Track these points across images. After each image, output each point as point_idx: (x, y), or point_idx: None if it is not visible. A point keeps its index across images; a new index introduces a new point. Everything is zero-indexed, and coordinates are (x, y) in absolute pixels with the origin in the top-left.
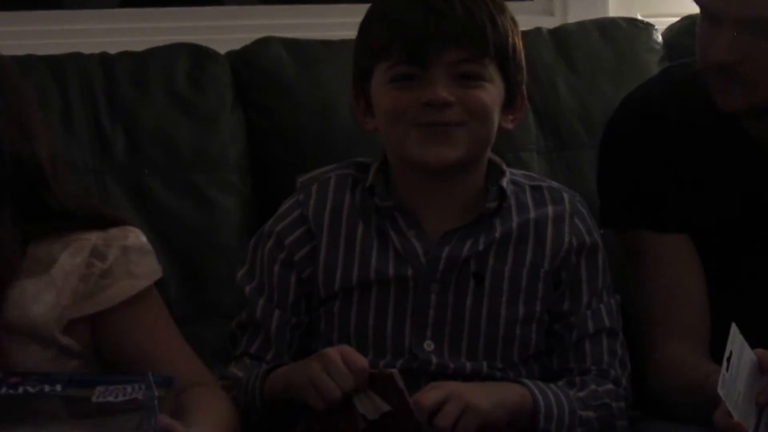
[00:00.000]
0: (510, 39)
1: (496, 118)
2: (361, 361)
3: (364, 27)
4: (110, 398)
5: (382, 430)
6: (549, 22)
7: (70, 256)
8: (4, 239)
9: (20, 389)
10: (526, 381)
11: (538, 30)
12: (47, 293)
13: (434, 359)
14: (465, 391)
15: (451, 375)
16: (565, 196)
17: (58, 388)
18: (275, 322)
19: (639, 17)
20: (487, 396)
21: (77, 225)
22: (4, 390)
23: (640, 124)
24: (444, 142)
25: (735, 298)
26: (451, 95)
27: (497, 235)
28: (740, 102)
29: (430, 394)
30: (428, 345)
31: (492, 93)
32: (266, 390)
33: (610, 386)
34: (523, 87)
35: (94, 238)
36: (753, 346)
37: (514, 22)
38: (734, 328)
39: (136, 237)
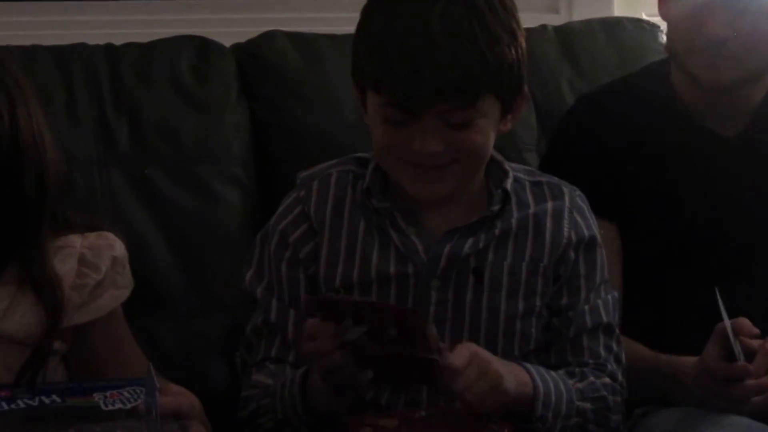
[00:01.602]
0: (507, 64)
1: (489, 144)
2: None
3: (357, 45)
4: (119, 405)
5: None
6: (554, 20)
7: (60, 264)
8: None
9: (20, 403)
10: (528, 365)
11: (543, 27)
12: (41, 307)
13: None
14: (490, 359)
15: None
16: (565, 190)
17: (56, 398)
18: (292, 323)
19: (644, 16)
20: (504, 370)
21: (59, 231)
22: (4, 405)
23: (587, 119)
24: (435, 181)
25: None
26: (441, 144)
27: (497, 231)
28: (728, 76)
29: (459, 354)
30: None
31: (485, 128)
32: (311, 392)
33: (607, 380)
34: (524, 88)
35: (78, 245)
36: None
37: (514, 35)
38: (717, 293)
39: (120, 246)
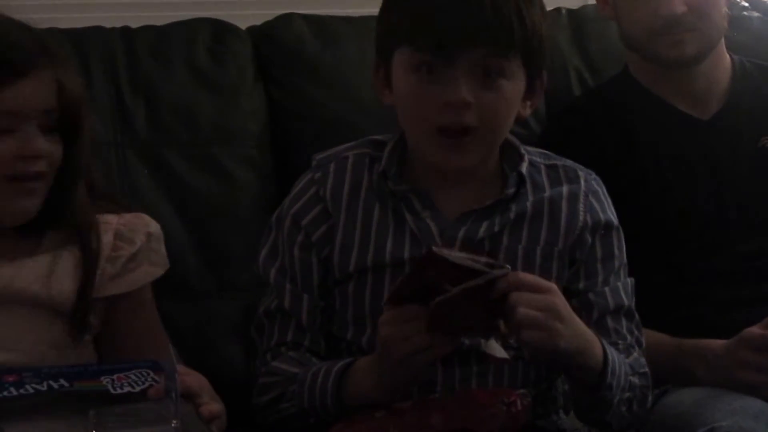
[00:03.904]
0: (536, 32)
1: (511, 118)
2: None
3: (387, 8)
4: (128, 388)
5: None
6: (569, 2)
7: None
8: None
9: (29, 389)
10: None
11: (558, 11)
12: (79, 270)
13: None
14: (563, 312)
15: (466, 351)
16: (581, 174)
17: (64, 383)
18: (305, 308)
19: None
20: (573, 339)
21: (100, 209)
22: (13, 390)
23: (570, 123)
24: (459, 151)
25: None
26: (471, 95)
27: (512, 215)
28: (691, 49)
29: (531, 276)
30: None
31: (509, 94)
32: (348, 389)
33: (642, 359)
34: (544, 73)
35: (114, 221)
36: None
37: (543, 10)
38: None
39: (156, 226)
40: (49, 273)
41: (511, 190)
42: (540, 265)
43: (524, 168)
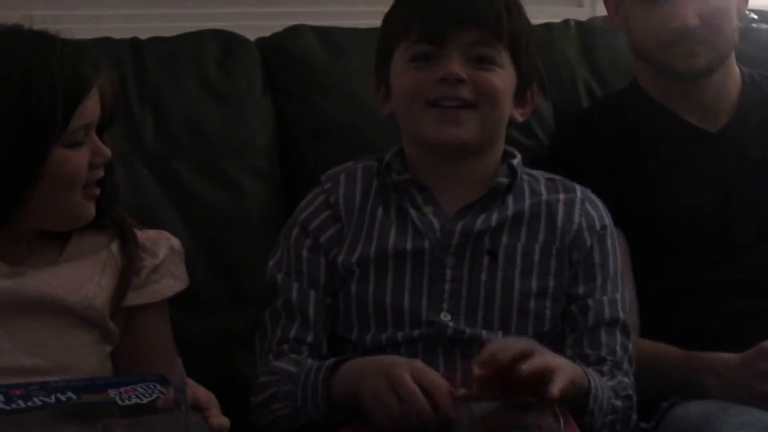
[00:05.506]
0: (524, 32)
1: (507, 103)
2: (439, 382)
3: (386, 16)
4: (135, 400)
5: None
6: (577, 14)
7: (120, 248)
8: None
9: (36, 401)
10: (578, 362)
11: (566, 23)
12: (104, 277)
13: (451, 324)
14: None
15: (467, 340)
16: (578, 188)
17: (72, 395)
18: (312, 303)
19: None
20: (570, 370)
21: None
22: (21, 403)
23: (579, 134)
24: (456, 123)
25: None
26: (464, 73)
27: (510, 213)
28: (702, 60)
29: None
30: (444, 316)
31: (503, 78)
32: (334, 389)
33: (627, 380)
34: (534, 84)
35: (137, 235)
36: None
37: (530, 23)
38: None
39: (178, 242)
40: (73, 280)
41: (504, 180)
42: (538, 262)
43: (515, 162)
